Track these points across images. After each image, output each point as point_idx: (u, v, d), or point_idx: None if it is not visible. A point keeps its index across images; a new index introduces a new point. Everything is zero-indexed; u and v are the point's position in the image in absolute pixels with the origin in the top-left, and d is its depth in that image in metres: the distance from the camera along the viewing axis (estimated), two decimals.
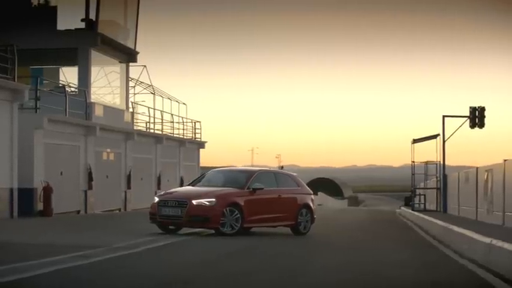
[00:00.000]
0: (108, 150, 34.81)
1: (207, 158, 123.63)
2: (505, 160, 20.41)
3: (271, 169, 23.01)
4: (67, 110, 30.03)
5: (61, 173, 29.98)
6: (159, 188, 41.04)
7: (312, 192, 22.65)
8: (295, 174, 22.90)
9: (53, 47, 32.65)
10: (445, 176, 34.05)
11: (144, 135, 39.55)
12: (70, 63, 33.92)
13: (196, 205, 19.41)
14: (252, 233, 20.52)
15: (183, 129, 47.40)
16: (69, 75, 35.52)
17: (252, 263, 13.58)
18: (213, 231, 20.10)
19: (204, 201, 19.50)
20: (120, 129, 35.77)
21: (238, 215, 19.70)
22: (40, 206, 27.79)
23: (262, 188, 20.59)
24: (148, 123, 41.32)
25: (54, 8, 32.99)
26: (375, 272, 12.86)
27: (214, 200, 19.51)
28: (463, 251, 15.67)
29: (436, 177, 37.00)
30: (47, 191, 27.93)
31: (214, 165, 64.49)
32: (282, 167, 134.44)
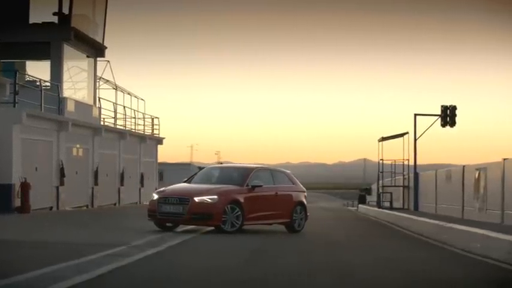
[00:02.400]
0: (78, 146, 34.35)
1: None
2: (504, 159, 20.90)
3: (268, 166, 23.01)
4: (42, 105, 29.52)
5: (36, 169, 29.47)
6: (122, 185, 40.74)
7: (305, 190, 22.81)
8: (289, 171, 23.02)
9: (25, 40, 31.98)
10: (416, 174, 34.60)
11: (110, 131, 39.12)
12: (42, 57, 33.25)
13: (198, 202, 19.36)
14: (246, 231, 20.38)
15: (143, 125, 47.04)
16: (35, 70, 34.87)
17: (289, 261, 13.68)
18: (210, 229, 20.16)
19: (206, 198, 19.46)
20: (90, 124, 35.32)
21: (239, 213, 19.73)
22: (17, 203, 27.26)
23: (261, 186, 20.67)
24: (113, 119, 40.82)
25: (27, 1, 32.27)
26: (404, 268, 13.24)
27: (216, 197, 19.49)
28: (470, 249, 15.99)
29: (403, 175, 37.57)
30: (25, 187, 27.42)
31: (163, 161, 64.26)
32: (221, 163, 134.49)
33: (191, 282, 10.41)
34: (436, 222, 21.43)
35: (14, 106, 27.47)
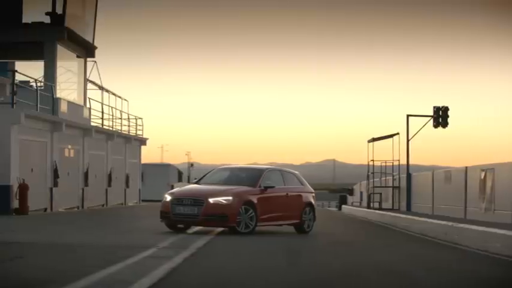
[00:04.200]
0: (69, 146, 34.09)
1: None
2: None
3: (278, 167, 23.03)
4: (38, 105, 29.26)
5: (32, 170, 29.20)
6: (109, 186, 40.52)
7: (313, 191, 22.88)
8: (297, 172, 23.07)
9: (18, 40, 31.65)
10: (409, 175, 34.88)
11: (99, 131, 38.87)
12: (34, 57, 32.93)
13: (213, 203, 19.31)
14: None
15: (128, 126, 46.78)
16: (23, 70, 34.46)
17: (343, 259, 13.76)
18: (220, 230, 20.17)
19: (221, 199, 19.42)
20: (81, 125, 35.07)
21: (253, 214, 19.71)
22: (15, 204, 27.00)
23: (273, 187, 20.70)
24: (101, 120, 40.56)
25: (20, 1, 31.93)
26: (439, 264, 13.48)
27: (231, 198, 19.45)
28: (487, 249, 16.17)
29: (393, 176, 37.84)
30: (23, 188, 27.18)
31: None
32: (192, 165, 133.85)
33: (255, 283, 10.43)
34: (443, 222, 21.54)
35: (13, 107, 27.18)
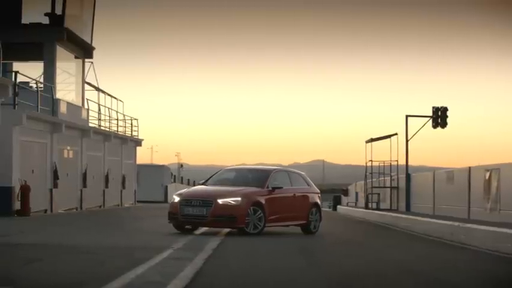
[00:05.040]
0: (68, 148, 33.98)
1: None
2: None
3: (285, 168, 23.05)
4: (39, 106, 29.16)
5: (32, 171, 29.08)
6: (106, 187, 40.39)
7: (319, 191, 22.92)
8: (303, 173, 23.09)
9: (17, 41, 31.47)
10: (408, 175, 34.98)
11: (97, 132, 38.77)
12: (34, 58, 32.81)
13: (222, 204, 19.29)
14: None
15: (124, 127, 46.66)
16: (20, 71, 34.31)
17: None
18: (228, 230, 20.18)
19: (230, 200, 19.42)
20: (80, 126, 34.97)
21: (261, 215, 19.72)
22: (17, 205, 26.89)
23: (281, 187, 20.72)
24: (98, 121, 40.46)
25: (19, 2, 31.79)
26: (455, 264, 13.74)
27: (239, 199, 19.45)
28: (498, 249, 16.24)
29: (390, 176, 37.92)
30: (25, 189, 27.08)
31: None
32: (181, 165, 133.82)
33: (287, 284, 10.45)
34: (449, 222, 21.53)
35: (14, 108, 27.05)
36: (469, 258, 15.63)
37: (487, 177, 23.64)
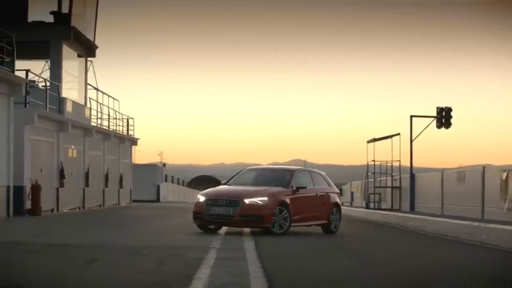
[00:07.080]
0: (73, 147, 33.80)
1: None
2: None
3: (306, 168, 23.11)
4: (47, 105, 28.98)
5: (41, 171, 28.91)
6: (106, 186, 40.22)
7: (338, 191, 23.02)
8: (324, 173, 23.15)
9: (24, 39, 31.14)
10: (412, 175, 35.12)
11: (98, 131, 38.59)
12: (40, 56, 32.60)
13: (248, 204, 19.29)
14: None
15: (121, 126, 46.46)
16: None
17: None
18: (251, 230, 20.19)
19: (257, 200, 19.42)
20: (83, 125, 34.80)
21: (287, 214, 19.76)
22: (28, 205, 26.71)
23: (305, 187, 20.77)
24: (100, 120, 40.26)
25: (25, 0, 31.51)
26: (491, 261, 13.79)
27: (266, 199, 19.47)
28: None
29: (392, 176, 38.03)
30: (36, 189, 26.92)
31: None
32: (164, 165, 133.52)
33: (352, 283, 10.50)
34: (467, 222, 21.45)
35: (26, 106, 26.86)
36: (504, 258, 15.69)
37: (503, 177, 23.79)
